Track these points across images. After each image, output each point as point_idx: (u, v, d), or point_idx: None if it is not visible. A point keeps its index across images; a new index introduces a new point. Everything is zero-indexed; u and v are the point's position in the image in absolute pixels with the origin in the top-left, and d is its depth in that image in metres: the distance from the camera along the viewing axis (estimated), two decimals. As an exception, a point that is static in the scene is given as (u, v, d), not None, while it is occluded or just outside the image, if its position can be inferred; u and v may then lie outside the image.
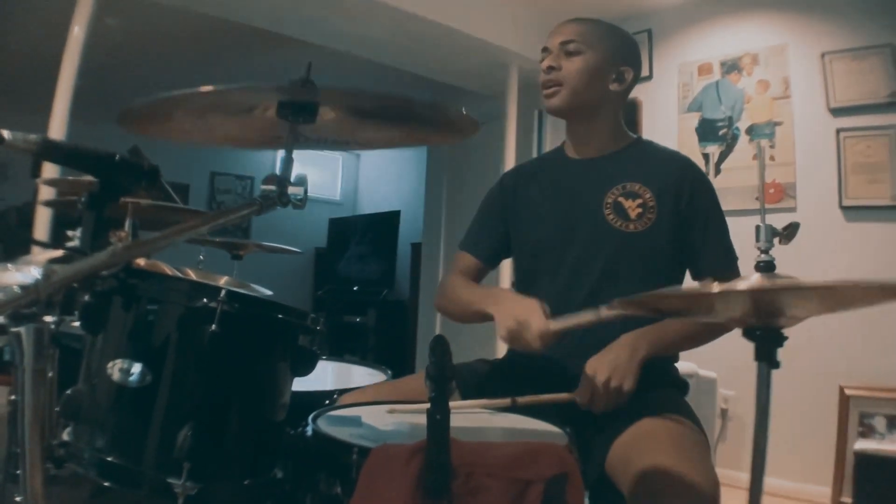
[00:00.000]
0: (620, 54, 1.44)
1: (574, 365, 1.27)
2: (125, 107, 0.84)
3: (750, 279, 0.91)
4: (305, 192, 0.91)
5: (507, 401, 1.18)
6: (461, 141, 1.12)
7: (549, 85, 1.42)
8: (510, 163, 3.78)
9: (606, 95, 1.43)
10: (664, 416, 1.19)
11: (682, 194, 1.37)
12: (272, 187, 0.90)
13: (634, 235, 1.36)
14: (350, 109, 0.99)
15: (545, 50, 1.45)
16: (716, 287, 0.81)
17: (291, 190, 0.90)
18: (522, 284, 1.50)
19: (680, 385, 1.40)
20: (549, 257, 1.44)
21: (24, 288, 0.69)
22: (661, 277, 1.35)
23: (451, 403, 0.78)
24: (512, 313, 1.20)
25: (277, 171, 0.91)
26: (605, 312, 1.11)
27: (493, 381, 1.41)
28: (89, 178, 0.89)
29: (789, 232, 0.98)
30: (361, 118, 1.01)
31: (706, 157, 3.43)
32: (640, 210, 1.37)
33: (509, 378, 1.39)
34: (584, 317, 1.15)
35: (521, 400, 1.18)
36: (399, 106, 0.99)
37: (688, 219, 1.38)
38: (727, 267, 1.37)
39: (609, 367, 1.21)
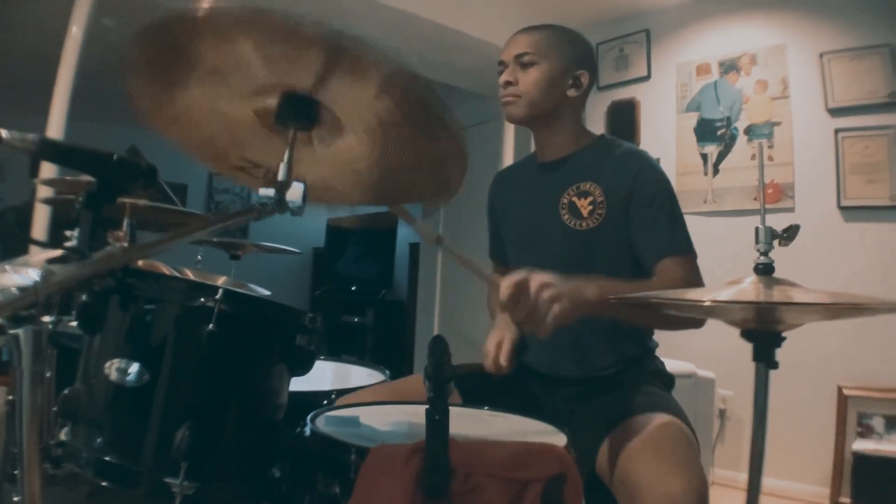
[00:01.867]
0: (575, 60, 1.44)
1: (567, 369, 1.39)
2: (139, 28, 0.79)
3: (746, 286, 0.92)
4: (304, 199, 0.90)
5: (435, 238, 1.24)
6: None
7: (507, 97, 1.44)
8: (508, 162, 3.78)
9: (564, 101, 1.45)
10: (651, 414, 1.19)
11: (626, 184, 1.36)
12: (270, 192, 0.89)
13: (587, 232, 1.38)
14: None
15: (501, 63, 1.46)
16: (708, 299, 0.81)
17: (289, 196, 0.89)
18: None
19: (665, 380, 1.40)
20: (522, 259, 1.47)
21: (22, 290, 0.69)
22: (622, 271, 1.35)
23: None
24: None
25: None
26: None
27: (493, 382, 1.42)
28: (87, 177, 0.88)
29: (789, 234, 0.98)
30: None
31: (704, 157, 3.43)
32: (590, 207, 1.39)
33: (509, 379, 1.41)
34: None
35: (453, 251, 1.18)
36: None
37: (632, 206, 1.35)
38: (671, 251, 1.31)
39: (554, 280, 1.07)
